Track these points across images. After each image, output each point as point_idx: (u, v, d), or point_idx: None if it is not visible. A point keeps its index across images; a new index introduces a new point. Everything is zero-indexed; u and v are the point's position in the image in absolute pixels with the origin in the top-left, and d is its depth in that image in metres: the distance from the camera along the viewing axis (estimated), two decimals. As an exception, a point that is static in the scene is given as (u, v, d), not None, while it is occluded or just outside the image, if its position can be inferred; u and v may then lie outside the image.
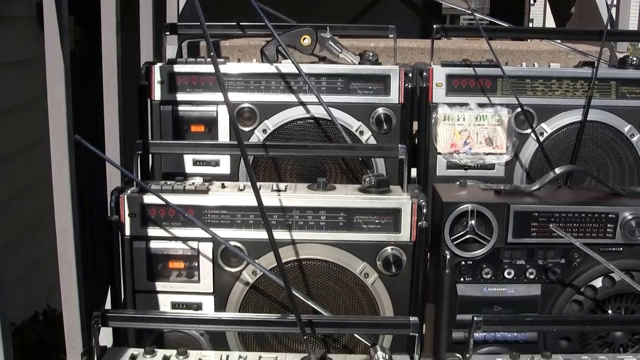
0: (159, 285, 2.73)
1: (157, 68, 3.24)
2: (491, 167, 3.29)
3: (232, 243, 2.65)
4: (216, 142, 3.22)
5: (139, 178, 2.75)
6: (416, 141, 3.39)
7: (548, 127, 3.28)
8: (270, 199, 2.65)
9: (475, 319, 2.18)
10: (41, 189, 3.19)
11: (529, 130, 3.26)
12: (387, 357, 2.16)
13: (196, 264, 2.70)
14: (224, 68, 3.24)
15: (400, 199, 2.69)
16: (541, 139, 3.24)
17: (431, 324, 2.81)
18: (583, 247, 2.61)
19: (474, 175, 3.25)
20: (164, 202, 2.61)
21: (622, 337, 2.76)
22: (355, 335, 2.53)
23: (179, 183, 2.72)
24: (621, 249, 2.71)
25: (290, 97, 3.24)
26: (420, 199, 2.68)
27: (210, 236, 2.64)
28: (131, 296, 2.73)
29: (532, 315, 2.70)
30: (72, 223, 2.54)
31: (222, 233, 2.63)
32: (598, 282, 2.72)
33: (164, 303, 2.74)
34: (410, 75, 3.26)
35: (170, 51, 4.09)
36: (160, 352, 2.26)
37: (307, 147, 3.02)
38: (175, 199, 2.62)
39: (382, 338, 2.73)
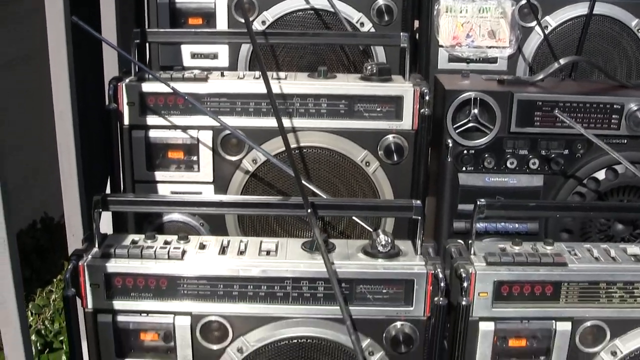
0: (159, 175, 2.71)
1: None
2: (494, 60, 3.23)
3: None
4: (216, 30, 3.14)
5: (137, 69, 2.70)
6: (417, 37, 3.33)
7: (553, 21, 3.21)
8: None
9: (478, 202, 2.16)
10: (40, 98, 3.14)
11: (533, 23, 3.20)
12: (389, 240, 2.14)
13: (196, 153, 2.68)
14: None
15: (402, 87, 2.66)
16: (546, 32, 3.18)
17: (432, 216, 2.80)
18: (588, 135, 2.58)
19: (476, 69, 3.18)
20: (162, 91, 2.57)
21: (623, 231, 2.76)
22: (357, 220, 2.51)
23: (177, 72, 2.68)
24: (625, 141, 2.69)
25: (289, -13, 3.17)
26: (422, 86, 2.64)
27: (209, 124, 2.61)
28: (131, 186, 2.71)
29: (535, 200, 2.68)
30: (70, 106, 2.51)
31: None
32: (601, 174, 2.71)
33: (164, 193, 2.72)
34: (411, -36, 3.20)
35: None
36: (161, 237, 2.23)
37: (308, 35, 2.97)
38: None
39: (384, 224, 2.72)
